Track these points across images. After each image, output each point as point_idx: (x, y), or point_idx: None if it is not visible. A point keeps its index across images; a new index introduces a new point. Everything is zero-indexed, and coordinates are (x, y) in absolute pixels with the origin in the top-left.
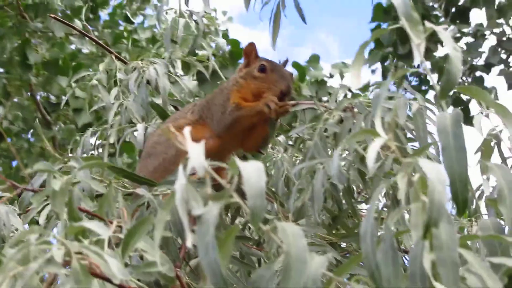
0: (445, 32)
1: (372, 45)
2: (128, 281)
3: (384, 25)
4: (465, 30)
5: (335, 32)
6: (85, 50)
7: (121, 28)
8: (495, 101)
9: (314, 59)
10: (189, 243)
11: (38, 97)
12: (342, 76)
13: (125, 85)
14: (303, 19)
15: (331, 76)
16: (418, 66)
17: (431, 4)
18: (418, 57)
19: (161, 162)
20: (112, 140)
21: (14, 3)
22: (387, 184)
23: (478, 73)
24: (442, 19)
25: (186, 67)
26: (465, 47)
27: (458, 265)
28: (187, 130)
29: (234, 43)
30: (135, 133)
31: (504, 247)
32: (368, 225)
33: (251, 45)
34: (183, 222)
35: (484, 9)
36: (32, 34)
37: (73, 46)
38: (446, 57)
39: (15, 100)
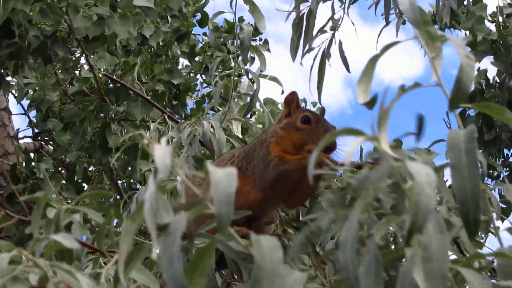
0: (457, 39)
1: None
2: None
3: (469, 111)
4: None
5: None
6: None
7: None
8: None
9: None
10: (154, 255)
11: (120, 182)
12: None
13: (176, 143)
14: (347, 68)
15: None
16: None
17: None
18: (434, 72)
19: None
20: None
21: (96, 87)
22: (374, 192)
23: None
24: None
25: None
26: None
27: (447, 279)
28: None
29: None
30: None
31: None
32: (349, 233)
33: (293, 94)
34: (151, 232)
35: None
36: (112, 118)
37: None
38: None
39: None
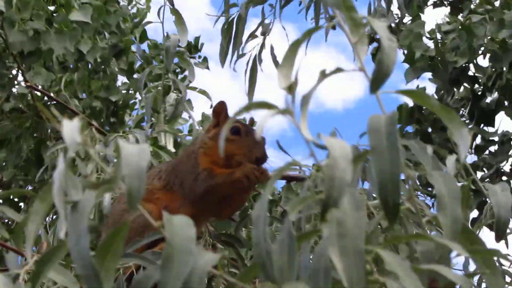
0: (379, 22)
1: None
2: None
3: (408, 128)
4: (492, 131)
5: None
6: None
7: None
8: (441, 105)
9: None
10: (62, 234)
11: None
12: None
13: (103, 157)
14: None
15: None
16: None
17: (455, 106)
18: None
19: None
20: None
21: (32, 103)
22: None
23: (504, 178)
24: (467, 121)
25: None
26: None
27: (363, 255)
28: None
29: None
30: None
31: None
32: (261, 209)
33: (222, 104)
34: (59, 210)
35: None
36: (47, 135)
37: None
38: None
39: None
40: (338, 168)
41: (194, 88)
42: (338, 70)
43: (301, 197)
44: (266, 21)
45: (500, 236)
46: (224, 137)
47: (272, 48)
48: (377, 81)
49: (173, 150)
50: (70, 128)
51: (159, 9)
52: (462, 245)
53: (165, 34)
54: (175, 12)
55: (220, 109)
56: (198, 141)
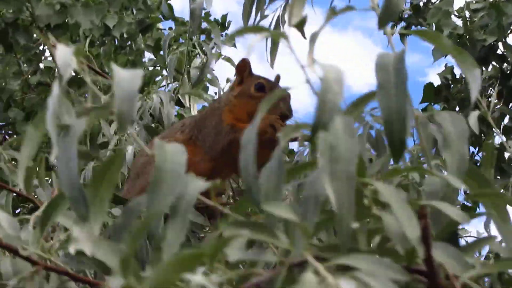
0: None
1: None
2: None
3: (435, 106)
4: None
5: None
6: None
7: None
8: (454, 46)
9: None
10: (53, 157)
11: None
12: None
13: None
14: (303, 35)
15: None
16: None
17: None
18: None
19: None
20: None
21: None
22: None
23: None
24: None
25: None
26: None
27: (353, 180)
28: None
29: None
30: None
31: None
32: (251, 133)
33: (244, 62)
34: (51, 135)
35: None
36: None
37: None
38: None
39: None
40: (330, 91)
41: (219, 55)
42: (349, 8)
43: (295, 124)
44: None
45: None
46: (249, 94)
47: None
48: (386, 16)
49: (195, 112)
50: (64, 53)
51: None
52: (469, 187)
53: None
54: None
55: (243, 66)
56: (223, 99)
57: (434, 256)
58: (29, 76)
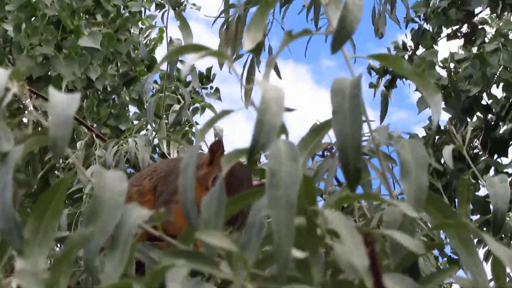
0: None
1: None
2: None
3: None
4: (506, 162)
5: None
6: None
7: None
8: (414, 71)
9: None
10: None
11: None
12: None
13: (102, 162)
14: (278, 74)
15: None
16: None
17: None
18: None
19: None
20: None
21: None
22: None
23: None
24: (480, 152)
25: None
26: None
27: (293, 207)
28: None
29: None
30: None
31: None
32: (190, 158)
33: (219, 144)
34: None
35: None
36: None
37: None
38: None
39: None
40: (268, 111)
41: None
42: (306, 31)
43: (236, 149)
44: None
45: (498, 230)
46: (206, 186)
47: (270, 49)
48: (339, 40)
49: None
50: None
51: (163, 13)
52: (432, 217)
53: (169, 39)
54: (179, 16)
55: (217, 147)
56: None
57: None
58: (13, 129)
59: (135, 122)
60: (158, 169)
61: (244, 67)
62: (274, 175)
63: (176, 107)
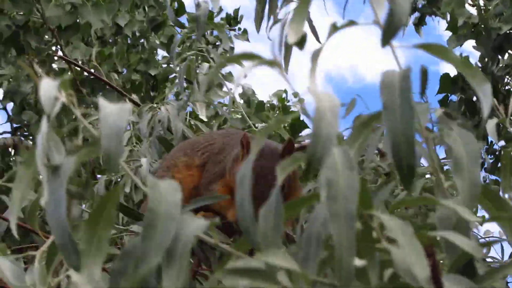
0: None
1: None
2: None
3: (452, 97)
4: None
5: None
6: None
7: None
8: (461, 60)
9: None
10: (43, 201)
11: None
12: None
13: (138, 129)
14: (317, 38)
15: None
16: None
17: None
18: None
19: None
20: (127, 189)
21: (71, 78)
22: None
23: None
24: None
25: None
26: None
27: (353, 219)
28: None
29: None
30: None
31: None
32: (247, 169)
33: (246, 137)
34: (41, 174)
35: None
36: (88, 109)
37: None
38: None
39: None
40: (324, 121)
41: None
42: (351, 22)
43: (292, 158)
44: None
45: None
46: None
47: (308, 13)
48: (388, 33)
49: (205, 119)
50: (48, 87)
51: None
52: (486, 211)
53: (196, 2)
54: None
55: (245, 141)
56: (233, 159)
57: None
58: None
59: (164, 66)
60: (214, 143)
61: (281, 31)
62: (332, 186)
63: (205, 67)
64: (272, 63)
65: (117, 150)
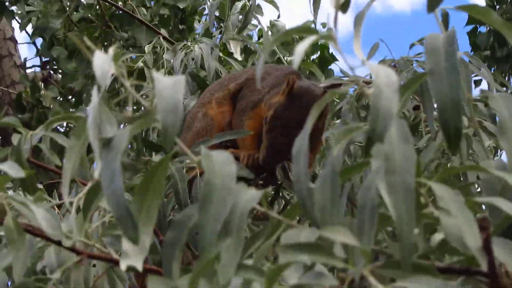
0: None
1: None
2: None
3: (481, 28)
4: None
5: None
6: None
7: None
8: (503, 21)
9: None
10: (96, 174)
11: None
12: None
13: (171, 66)
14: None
15: None
16: None
17: None
18: None
19: (194, 135)
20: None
21: (100, 13)
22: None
23: None
24: None
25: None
26: None
27: (412, 192)
28: None
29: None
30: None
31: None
32: (302, 144)
33: (293, 80)
34: (93, 147)
35: None
36: (115, 43)
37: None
38: None
39: None
40: (383, 97)
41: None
42: None
43: (346, 128)
44: None
45: None
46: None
47: None
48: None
49: (239, 58)
50: (102, 60)
51: None
52: None
53: None
54: None
55: (292, 81)
56: (273, 92)
57: (494, 254)
58: (72, 12)
59: None
60: (249, 71)
61: None
62: (389, 159)
63: (238, 6)
64: (328, 37)
65: (175, 123)
